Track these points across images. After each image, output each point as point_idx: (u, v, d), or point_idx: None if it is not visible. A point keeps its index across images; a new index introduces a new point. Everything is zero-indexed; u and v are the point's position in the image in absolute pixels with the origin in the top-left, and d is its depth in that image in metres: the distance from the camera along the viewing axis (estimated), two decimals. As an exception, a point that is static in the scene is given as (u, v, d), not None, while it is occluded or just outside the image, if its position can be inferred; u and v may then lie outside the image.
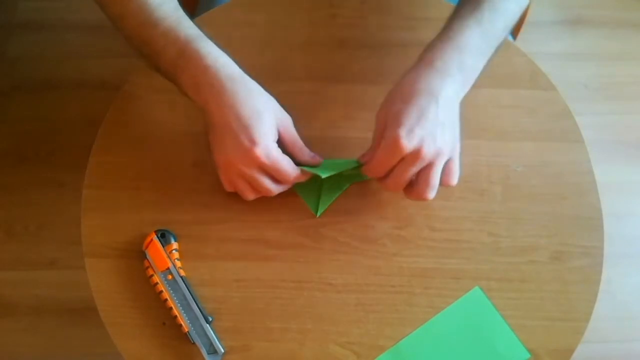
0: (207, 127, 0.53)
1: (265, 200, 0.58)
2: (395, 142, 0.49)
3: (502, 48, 0.61)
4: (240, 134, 0.50)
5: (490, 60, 0.55)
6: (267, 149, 0.51)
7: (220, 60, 0.52)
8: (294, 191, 0.58)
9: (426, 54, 0.53)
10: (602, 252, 0.57)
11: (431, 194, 0.52)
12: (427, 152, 0.50)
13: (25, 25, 1.38)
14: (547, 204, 0.59)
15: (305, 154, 0.56)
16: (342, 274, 0.56)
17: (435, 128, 0.50)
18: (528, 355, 0.54)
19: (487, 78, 0.63)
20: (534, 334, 0.54)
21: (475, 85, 0.59)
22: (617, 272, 1.15)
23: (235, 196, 0.58)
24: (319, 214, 0.58)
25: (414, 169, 0.51)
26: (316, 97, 0.63)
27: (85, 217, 0.58)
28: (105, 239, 0.57)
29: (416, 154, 0.50)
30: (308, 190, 0.58)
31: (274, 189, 0.54)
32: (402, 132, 0.49)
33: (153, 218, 0.57)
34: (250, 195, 0.55)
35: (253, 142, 0.50)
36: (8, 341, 1.11)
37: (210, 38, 0.53)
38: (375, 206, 0.58)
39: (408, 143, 0.49)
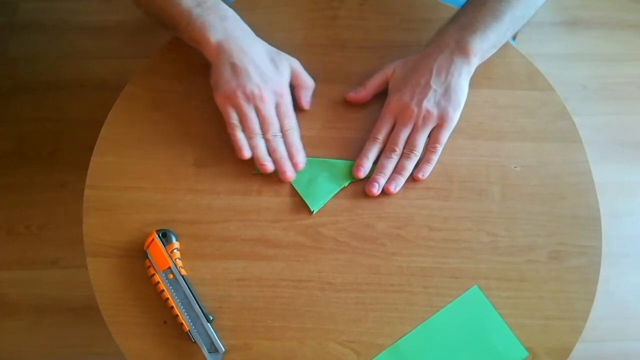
0: (219, 65, 0.58)
1: (265, 200, 0.58)
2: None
3: (501, 48, 0.61)
4: (265, 65, 0.58)
5: (508, 34, 0.60)
6: (284, 83, 0.60)
7: (234, 14, 0.60)
8: (293, 189, 0.59)
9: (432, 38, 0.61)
10: (600, 252, 0.57)
11: (410, 149, 0.58)
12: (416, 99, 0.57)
13: (26, 25, 1.38)
14: (545, 204, 0.59)
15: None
16: (342, 273, 0.56)
17: (426, 89, 0.58)
18: (526, 354, 0.54)
19: (486, 79, 0.63)
20: (532, 333, 0.55)
21: (474, 86, 0.59)
22: (615, 272, 1.15)
23: (236, 195, 0.59)
24: (315, 210, 0.58)
25: (407, 123, 0.58)
26: (316, 98, 0.63)
27: (87, 216, 0.58)
28: (107, 238, 0.57)
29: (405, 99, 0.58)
30: (306, 186, 0.58)
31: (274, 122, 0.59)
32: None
33: (154, 218, 0.58)
34: (251, 122, 0.58)
35: (278, 72, 0.59)
36: (10, 340, 1.12)
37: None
38: (374, 206, 0.59)
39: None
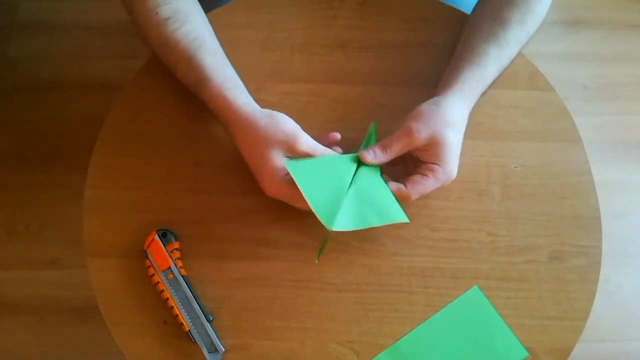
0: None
1: (266, 200, 0.58)
2: (410, 130, 0.53)
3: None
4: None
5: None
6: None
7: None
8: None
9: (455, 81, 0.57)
10: (600, 252, 0.57)
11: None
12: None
13: (26, 26, 1.38)
14: (545, 204, 0.59)
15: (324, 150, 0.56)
16: (342, 273, 0.56)
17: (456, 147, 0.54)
18: (527, 354, 0.54)
19: (486, 79, 0.63)
20: (532, 333, 0.55)
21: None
22: (615, 272, 1.15)
23: (236, 196, 0.59)
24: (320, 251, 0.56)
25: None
26: (316, 97, 0.63)
27: (87, 217, 0.58)
28: (107, 238, 0.57)
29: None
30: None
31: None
32: (417, 125, 0.53)
33: (154, 218, 0.58)
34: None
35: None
36: (10, 340, 1.12)
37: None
38: (374, 206, 0.59)
39: (420, 134, 0.52)
